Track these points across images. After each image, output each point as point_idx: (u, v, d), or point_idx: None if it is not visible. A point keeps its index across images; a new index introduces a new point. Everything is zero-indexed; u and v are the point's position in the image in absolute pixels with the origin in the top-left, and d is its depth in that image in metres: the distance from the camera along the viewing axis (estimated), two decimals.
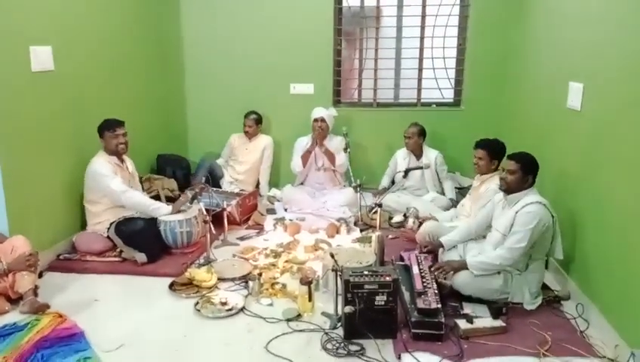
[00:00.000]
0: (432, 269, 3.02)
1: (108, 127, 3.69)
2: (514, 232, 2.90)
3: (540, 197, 2.96)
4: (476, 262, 2.95)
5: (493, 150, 3.68)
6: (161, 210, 3.75)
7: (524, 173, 2.99)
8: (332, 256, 2.87)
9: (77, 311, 2.95)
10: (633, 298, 2.49)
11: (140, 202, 3.72)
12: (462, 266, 2.99)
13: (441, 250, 3.38)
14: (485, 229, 3.29)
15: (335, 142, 4.72)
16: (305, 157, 4.71)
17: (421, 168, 4.20)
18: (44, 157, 3.49)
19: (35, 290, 3.01)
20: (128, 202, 3.66)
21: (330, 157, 4.65)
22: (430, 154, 4.62)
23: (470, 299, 2.99)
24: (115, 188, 3.62)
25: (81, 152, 3.77)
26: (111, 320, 2.93)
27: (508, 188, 3.04)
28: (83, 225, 3.84)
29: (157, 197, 4.22)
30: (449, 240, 3.35)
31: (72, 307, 2.99)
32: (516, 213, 2.92)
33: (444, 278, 3.00)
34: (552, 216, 2.93)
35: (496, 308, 2.80)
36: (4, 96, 3.13)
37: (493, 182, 3.60)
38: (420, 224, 3.83)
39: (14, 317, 2.86)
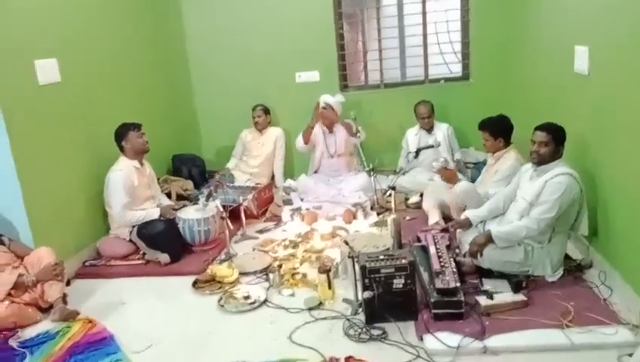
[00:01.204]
0: (466, 256, 3.03)
1: (132, 127, 3.76)
2: (541, 202, 2.86)
3: (570, 169, 2.90)
4: (501, 233, 2.94)
5: (494, 129, 3.65)
6: (150, 213, 3.78)
7: (556, 143, 2.94)
8: (346, 242, 2.89)
9: (106, 315, 3.04)
10: None
11: (133, 220, 3.72)
12: (487, 239, 2.96)
13: (460, 229, 3.35)
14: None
15: (343, 130, 4.71)
16: (306, 134, 4.71)
17: (432, 147, 4.17)
18: (60, 167, 3.57)
19: (64, 298, 3.09)
20: (122, 222, 3.71)
21: (348, 128, 4.62)
22: (442, 127, 4.62)
23: (490, 275, 2.99)
24: (116, 207, 3.67)
25: (97, 158, 3.85)
26: (138, 322, 3.01)
27: (541, 160, 2.97)
28: (106, 230, 3.93)
29: (169, 195, 4.31)
30: (476, 215, 3.28)
31: (101, 311, 3.08)
32: (546, 181, 2.88)
33: (475, 256, 2.99)
34: (581, 190, 2.89)
35: (517, 282, 2.80)
36: (14, 111, 3.19)
37: (509, 158, 3.58)
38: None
39: (46, 325, 2.97)
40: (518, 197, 3.13)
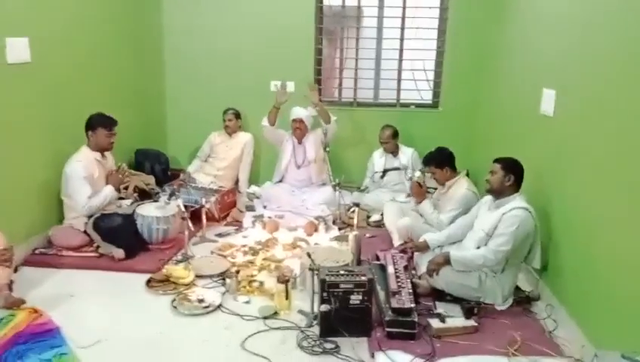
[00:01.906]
0: (422, 277, 3.12)
1: (105, 124, 3.69)
2: (498, 234, 2.98)
3: (526, 204, 3.03)
4: (459, 257, 3.04)
5: (437, 160, 3.80)
6: (107, 192, 3.72)
7: (505, 172, 3.09)
8: (309, 255, 2.92)
9: (53, 306, 2.93)
10: (598, 300, 2.59)
11: (95, 206, 3.65)
12: (445, 260, 3.07)
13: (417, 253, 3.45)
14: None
15: (313, 136, 4.74)
16: (271, 116, 4.66)
17: (398, 169, 4.26)
18: (18, 150, 3.44)
19: (10, 285, 2.97)
20: (87, 213, 3.63)
21: (325, 115, 4.59)
22: (406, 152, 4.73)
23: (443, 299, 3.07)
24: (81, 199, 3.60)
25: (58, 145, 3.74)
26: (87, 316, 2.93)
27: (492, 189, 3.15)
28: (59, 219, 3.81)
29: (126, 189, 4.19)
30: (435, 239, 3.41)
31: (48, 302, 2.97)
32: (503, 214, 3.00)
33: (431, 275, 3.08)
34: (535, 225, 3.02)
35: (468, 308, 2.88)
36: None
37: (460, 186, 3.71)
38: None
39: None
40: (476, 228, 3.24)
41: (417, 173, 3.92)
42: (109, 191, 3.74)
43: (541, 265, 3.11)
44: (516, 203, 3.03)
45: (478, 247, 3.07)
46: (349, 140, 5.17)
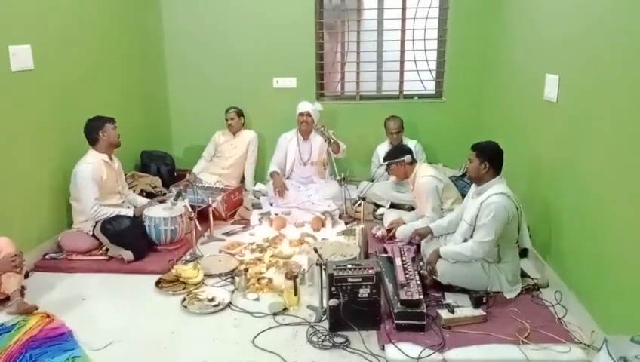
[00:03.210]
0: (424, 269, 3.12)
1: (109, 119, 3.73)
2: (479, 226, 2.97)
3: (504, 188, 3.02)
4: (449, 251, 3.06)
5: (394, 154, 3.85)
6: (118, 210, 3.74)
7: (480, 160, 3.07)
8: (316, 250, 2.92)
9: (64, 310, 2.97)
10: (607, 285, 2.58)
11: (102, 213, 3.64)
12: (437, 256, 3.08)
13: (423, 242, 3.44)
14: None
15: (319, 138, 4.74)
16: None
17: (403, 161, 4.24)
18: (27, 156, 3.48)
19: (21, 291, 3.01)
20: (94, 216, 3.62)
21: (335, 147, 4.58)
22: (410, 143, 4.71)
23: (452, 290, 3.07)
24: (88, 201, 3.60)
25: (66, 150, 3.78)
26: (99, 319, 2.96)
27: (470, 177, 3.17)
28: (69, 224, 3.85)
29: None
30: (438, 225, 3.42)
31: (60, 306, 3.01)
32: (481, 203, 3.00)
33: (433, 273, 3.08)
34: (517, 208, 3.01)
35: (477, 298, 2.88)
36: None
37: (418, 177, 3.74)
38: (388, 231, 3.88)
39: (2, 318, 2.88)
40: (461, 219, 3.25)
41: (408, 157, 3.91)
42: (127, 213, 3.75)
43: (550, 252, 3.09)
44: (493, 189, 3.01)
45: (465, 240, 3.08)
46: (353, 134, 5.15)
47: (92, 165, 3.63)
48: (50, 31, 3.66)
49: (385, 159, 3.94)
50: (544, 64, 3.43)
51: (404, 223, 3.84)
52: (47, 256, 3.63)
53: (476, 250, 2.96)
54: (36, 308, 2.92)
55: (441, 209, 3.72)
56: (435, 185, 3.63)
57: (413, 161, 3.83)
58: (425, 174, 3.70)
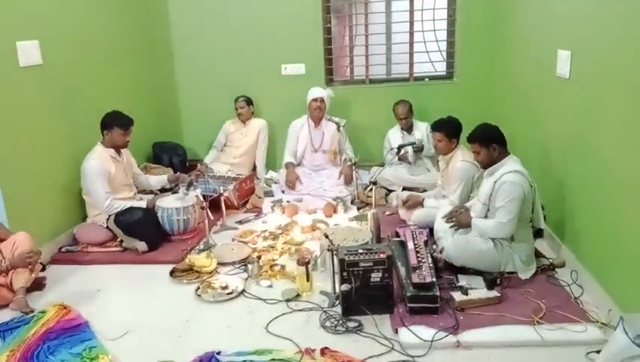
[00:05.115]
0: (446, 218, 3.19)
1: (121, 124, 3.72)
2: (499, 207, 2.93)
3: (517, 166, 2.98)
4: (480, 223, 3.03)
5: (448, 131, 3.61)
6: (129, 203, 3.75)
7: (487, 147, 3.03)
8: (326, 236, 2.91)
9: (81, 301, 3.01)
10: (624, 262, 2.53)
11: (115, 207, 3.66)
12: (468, 223, 3.08)
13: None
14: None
15: (331, 127, 4.71)
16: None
17: (413, 144, 4.21)
18: (39, 151, 3.52)
19: (30, 288, 3.05)
20: (108, 211, 3.65)
21: (347, 174, 4.50)
22: (420, 127, 4.65)
23: (465, 272, 3.04)
24: (100, 196, 3.63)
25: (77, 144, 3.80)
26: (114, 309, 3.00)
27: (485, 166, 3.11)
28: (83, 217, 3.89)
29: None
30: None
31: (76, 298, 3.04)
32: (494, 183, 2.96)
33: (440, 252, 3.06)
34: (531, 186, 2.96)
35: (491, 279, 2.84)
36: None
37: (456, 159, 3.62)
38: (404, 203, 3.88)
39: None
40: (475, 198, 3.23)
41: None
42: (140, 205, 3.78)
43: (565, 232, 3.04)
44: (506, 168, 2.98)
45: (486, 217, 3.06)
46: (364, 119, 5.12)
47: (98, 161, 3.66)
48: (58, 26, 3.68)
49: (438, 127, 3.65)
50: (555, 40, 3.34)
51: (421, 200, 3.81)
52: (63, 249, 3.68)
53: (501, 230, 2.94)
54: (32, 311, 2.89)
55: (468, 197, 3.66)
56: (472, 174, 3.51)
57: (458, 142, 3.67)
58: (465, 159, 3.57)
